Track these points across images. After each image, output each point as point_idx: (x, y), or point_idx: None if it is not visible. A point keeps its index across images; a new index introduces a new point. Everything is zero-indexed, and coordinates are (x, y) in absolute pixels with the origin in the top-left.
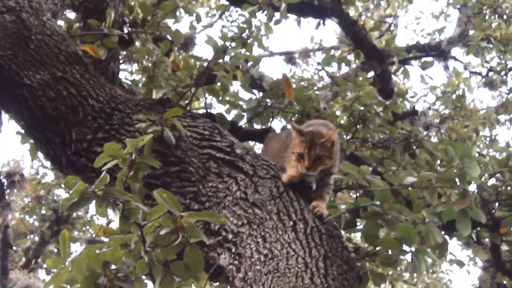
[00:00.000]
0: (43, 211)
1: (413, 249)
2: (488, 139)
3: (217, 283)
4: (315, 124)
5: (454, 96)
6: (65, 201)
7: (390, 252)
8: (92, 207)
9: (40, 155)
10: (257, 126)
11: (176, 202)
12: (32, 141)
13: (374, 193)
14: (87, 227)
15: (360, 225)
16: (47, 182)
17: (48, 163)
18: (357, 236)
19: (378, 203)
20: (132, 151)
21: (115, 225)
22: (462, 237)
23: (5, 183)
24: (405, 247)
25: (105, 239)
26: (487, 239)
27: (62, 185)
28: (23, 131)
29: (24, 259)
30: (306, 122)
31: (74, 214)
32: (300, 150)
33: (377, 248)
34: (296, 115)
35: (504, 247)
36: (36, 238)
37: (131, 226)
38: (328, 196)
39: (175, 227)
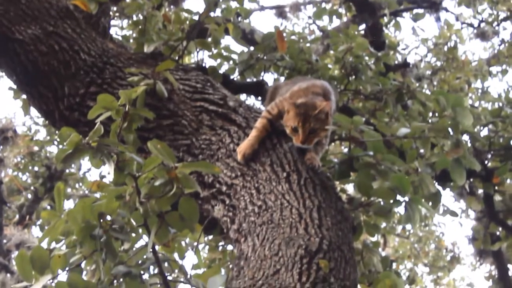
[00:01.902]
0: (36, 168)
1: (406, 199)
2: (480, 91)
3: (212, 236)
4: (307, 88)
5: (445, 48)
6: (60, 153)
7: (383, 203)
8: (85, 164)
9: (33, 111)
10: (249, 80)
11: (170, 153)
12: (24, 96)
13: (367, 144)
14: (80, 184)
15: (353, 176)
16: (39, 139)
17: (40, 120)
18: (350, 188)
19: (371, 153)
20: (126, 102)
21: (108, 180)
22: (456, 187)
23: None
24: (398, 197)
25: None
26: (480, 190)
27: (55, 142)
28: (15, 87)
29: (17, 216)
30: (295, 77)
31: (67, 171)
32: (294, 123)
33: (371, 199)
34: (288, 69)
35: (497, 197)
36: (30, 195)
37: (126, 178)
38: (322, 150)
39: (169, 178)
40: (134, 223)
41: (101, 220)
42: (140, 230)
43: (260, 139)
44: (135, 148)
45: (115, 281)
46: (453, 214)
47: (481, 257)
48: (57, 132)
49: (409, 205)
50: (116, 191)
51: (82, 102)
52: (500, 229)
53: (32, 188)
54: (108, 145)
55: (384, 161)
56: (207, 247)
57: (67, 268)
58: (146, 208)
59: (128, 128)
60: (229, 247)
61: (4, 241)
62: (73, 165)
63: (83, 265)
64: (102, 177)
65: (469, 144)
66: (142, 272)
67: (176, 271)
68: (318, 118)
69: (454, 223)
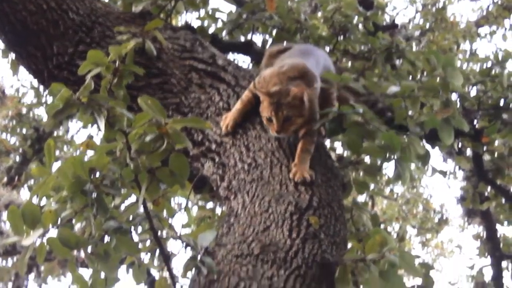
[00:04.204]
0: (24, 130)
1: (396, 156)
2: (468, 52)
3: (201, 194)
4: (285, 73)
5: (434, 9)
6: (50, 108)
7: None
8: (73, 126)
9: (21, 72)
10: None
11: (161, 109)
12: (13, 56)
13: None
14: (68, 147)
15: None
16: (27, 103)
17: (28, 83)
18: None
19: (360, 111)
20: (116, 58)
21: (97, 140)
22: (445, 146)
23: None
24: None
25: None
26: (469, 151)
27: (43, 105)
28: (4, 46)
29: (6, 178)
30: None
31: (55, 133)
32: (268, 113)
33: (361, 157)
34: (276, 28)
35: (486, 157)
36: (18, 158)
37: (116, 134)
38: (310, 153)
39: (160, 133)
40: (125, 179)
41: (92, 176)
42: (131, 187)
43: (243, 112)
44: (126, 103)
45: (105, 236)
46: (442, 173)
47: (470, 217)
48: (45, 93)
49: (399, 164)
50: (107, 147)
51: (71, 61)
52: (489, 188)
53: (20, 150)
54: (99, 101)
55: (373, 120)
56: (196, 207)
57: (58, 223)
58: (137, 164)
59: (118, 84)
60: (218, 210)
61: None
62: (61, 127)
63: (74, 221)
64: (91, 137)
65: (459, 104)
66: (132, 228)
67: (166, 229)
68: (292, 105)
69: (442, 185)
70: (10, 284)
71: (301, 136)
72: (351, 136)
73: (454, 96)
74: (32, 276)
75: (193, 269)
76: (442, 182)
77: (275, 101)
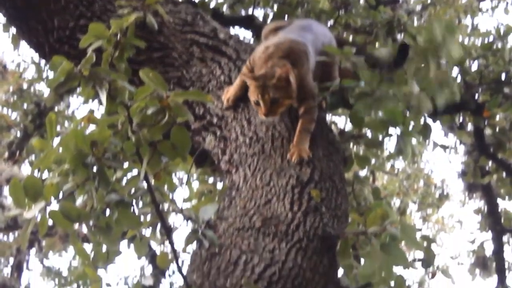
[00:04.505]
0: (25, 106)
1: (398, 131)
2: (469, 27)
3: (202, 168)
4: (272, 54)
5: None
6: (51, 81)
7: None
8: (74, 102)
9: (22, 47)
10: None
11: (162, 82)
12: (14, 30)
13: (360, 74)
14: (69, 122)
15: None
16: (28, 78)
17: (29, 58)
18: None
19: (362, 84)
20: (117, 31)
21: (98, 115)
22: (446, 120)
23: None
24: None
25: None
26: (470, 125)
27: (44, 80)
28: (5, 21)
29: (7, 153)
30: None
31: (56, 109)
32: (255, 96)
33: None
34: (278, 2)
35: (488, 131)
36: (19, 133)
37: (118, 107)
38: (312, 125)
39: (161, 106)
40: (127, 152)
41: (94, 149)
42: (132, 160)
43: (244, 86)
44: (127, 76)
45: (107, 210)
46: (443, 147)
47: (471, 192)
48: (46, 68)
49: (401, 138)
50: (108, 120)
51: (72, 35)
52: (490, 163)
53: (21, 125)
54: (100, 74)
55: (379, 88)
56: (197, 182)
57: (60, 197)
58: (138, 137)
59: (120, 58)
60: (219, 185)
61: None
62: (62, 103)
63: (75, 194)
64: (92, 111)
65: (460, 78)
66: (134, 201)
67: (167, 203)
68: (278, 86)
69: (443, 160)
70: (11, 259)
71: (301, 115)
72: (360, 107)
73: (454, 71)
74: (33, 251)
75: (195, 243)
76: (443, 157)
77: (261, 84)
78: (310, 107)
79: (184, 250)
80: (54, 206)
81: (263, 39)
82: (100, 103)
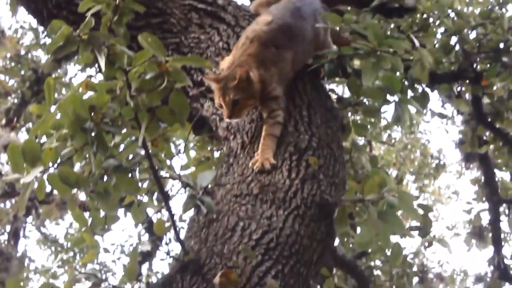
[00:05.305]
0: (22, 72)
1: (396, 98)
2: None
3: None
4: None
5: None
6: (50, 45)
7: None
8: (71, 69)
9: (20, 13)
10: None
11: (161, 47)
12: None
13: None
14: (67, 90)
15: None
16: (25, 44)
17: (27, 24)
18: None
19: (361, 51)
20: None
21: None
22: (444, 89)
23: None
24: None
25: None
26: (468, 94)
27: (41, 47)
28: None
29: (4, 120)
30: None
31: (53, 75)
32: (217, 99)
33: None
34: None
35: (486, 100)
36: (16, 100)
37: (116, 72)
38: (277, 129)
39: (160, 71)
40: (125, 118)
41: (92, 114)
42: (131, 126)
43: None
44: (126, 41)
45: (105, 176)
46: (441, 116)
47: (468, 162)
48: (44, 34)
49: (399, 105)
50: (107, 85)
51: (70, 0)
52: (488, 132)
53: (19, 91)
54: (99, 38)
55: (382, 46)
56: (194, 151)
57: (58, 162)
58: (137, 102)
59: (119, 22)
60: (216, 154)
61: None
62: (59, 69)
63: (74, 159)
64: (89, 77)
65: (458, 47)
66: (132, 167)
67: (165, 170)
68: (239, 88)
69: (440, 130)
70: (8, 227)
71: (264, 119)
72: (366, 66)
73: (453, 39)
74: (30, 219)
75: (192, 210)
76: (440, 128)
77: (222, 86)
78: (273, 110)
79: (181, 218)
80: (52, 171)
81: (254, 12)
82: (99, 68)
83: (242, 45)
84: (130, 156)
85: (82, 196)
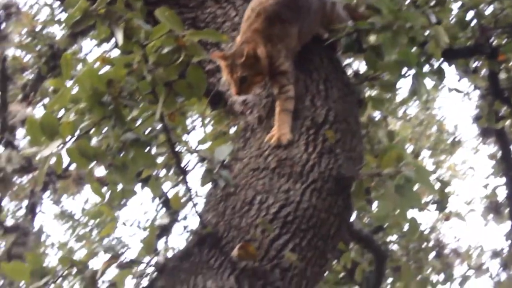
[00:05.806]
0: (38, 48)
1: (413, 72)
2: None
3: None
4: (247, 29)
5: None
6: (68, 19)
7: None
8: (87, 44)
9: None
10: None
11: (178, 21)
12: None
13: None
14: (83, 65)
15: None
16: (42, 20)
17: (42, 0)
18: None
19: (379, 24)
20: None
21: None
22: (461, 64)
23: (2, 16)
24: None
25: None
26: (485, 70)
27: (57, 23)
28: None
29: (21, 95)
30: None
31: (69, 50)
32: (225, 77)
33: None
34: None
35: (502, 75)
36: (32, 75)
37: (133, 46)
38: (290, 103)
39: (177, 45)
40: (142, 92)
41: (110, 88)
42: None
43: None
44: (143, 15)
45: (123, 150)
46: (458, 91)
47: (484, 137)
48: (60, 10)
49: (416, 78)
50: (124, 59)
51: None
52: (505, 108)
53: (35, 67)
54: (116, 12)
55: (398, 20)
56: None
57: (76, 135)
58: (154, 76)
59: None
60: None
61: (9, 117)
62: (75, 45)
63: (91, 133)
64: (105, 52)
65: (475, 21)
66: (149, 141)
67: (181, 145)
68: (246, 64)
69: (456, 106)
70: (25, 202)
71: (276, 95)
72: (384, 40)
73: (469, 14)
74: (47, 194)
75: (209, 184)
76: (456, 104)
77: (229, 63)
78: (283, 85)
79: (196, 193)
80: (70, 145)
81: None
82: (115, 43)
83: (247, 18)
84: (148, 130)
85: (97, 172)
